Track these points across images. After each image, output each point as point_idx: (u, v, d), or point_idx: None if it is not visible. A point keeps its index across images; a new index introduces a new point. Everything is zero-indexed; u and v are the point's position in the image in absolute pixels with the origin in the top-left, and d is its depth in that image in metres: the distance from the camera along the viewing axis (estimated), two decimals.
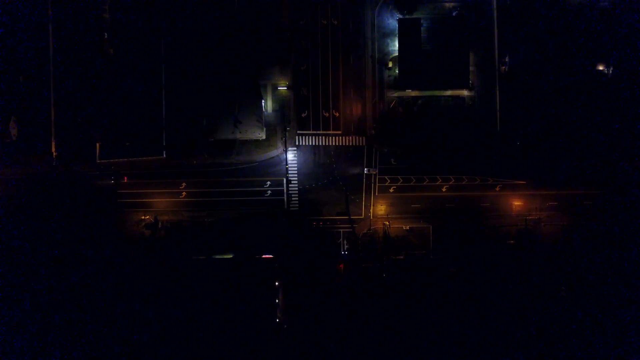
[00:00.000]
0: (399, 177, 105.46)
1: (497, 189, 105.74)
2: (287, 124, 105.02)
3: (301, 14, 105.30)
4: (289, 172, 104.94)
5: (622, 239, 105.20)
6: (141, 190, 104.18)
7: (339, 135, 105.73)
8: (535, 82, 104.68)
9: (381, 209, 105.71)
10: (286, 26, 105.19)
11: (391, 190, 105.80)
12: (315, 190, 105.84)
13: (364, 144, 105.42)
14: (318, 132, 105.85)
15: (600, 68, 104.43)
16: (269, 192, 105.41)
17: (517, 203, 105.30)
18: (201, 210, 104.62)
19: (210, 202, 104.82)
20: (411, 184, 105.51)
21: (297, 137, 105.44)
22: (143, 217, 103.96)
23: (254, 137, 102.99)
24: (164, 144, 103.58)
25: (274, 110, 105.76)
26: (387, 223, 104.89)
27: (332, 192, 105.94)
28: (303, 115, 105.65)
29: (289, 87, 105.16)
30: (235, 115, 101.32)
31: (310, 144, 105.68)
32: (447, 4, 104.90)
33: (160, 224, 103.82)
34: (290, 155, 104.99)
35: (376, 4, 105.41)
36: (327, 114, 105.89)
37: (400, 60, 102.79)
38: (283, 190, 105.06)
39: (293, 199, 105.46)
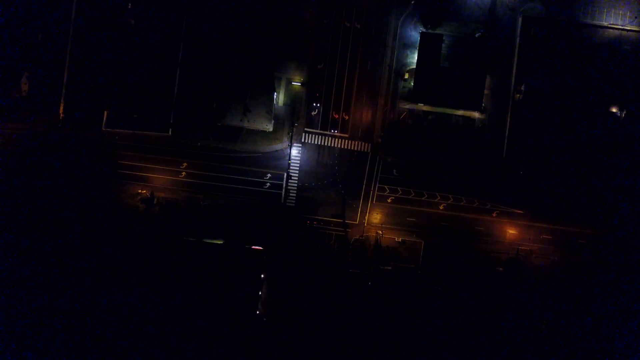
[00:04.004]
0: (398, 188, 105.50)
1: (494, 214, 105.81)
2: (295, 119, 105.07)
3: (325, 13, 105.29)
4: (291, 167, 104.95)
5: (611, 282, 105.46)
6: (142, 164, 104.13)
7: (345, 138, 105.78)
8: (547, 114, 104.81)
9: (376, 217, 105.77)
10: (309, 23, 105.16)
11: (389, 200, 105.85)
12: (314, 189, 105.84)
13: (369, 150, 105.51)
14: (325, 132, 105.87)
15: (614, 110, 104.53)
16: (268, 184, 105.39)
17: (511, 231, 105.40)
18: (198, 192, 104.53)
19: (208, 186, 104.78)
20: (410, 197, 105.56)
21: (303, 134, 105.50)
22: (140, 191, 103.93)
23: (261, 128, 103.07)
24: (171, 121, 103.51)
25: (284, 104, 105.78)
26: (380, 232, 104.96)
27: (331, 193, 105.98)
28: (313, 113, 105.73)
29: (302, 84, 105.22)
30: (246, 103, 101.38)
31: (316, 142, 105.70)
32: (471, 24, 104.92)
33: (155, 200, 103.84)
34: (295, 151, 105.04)
35: (401, 14, 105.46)
36: (336, 116, 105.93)
37: (417, 73, 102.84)
38: (282, 184, 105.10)
39: (291, 194, 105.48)
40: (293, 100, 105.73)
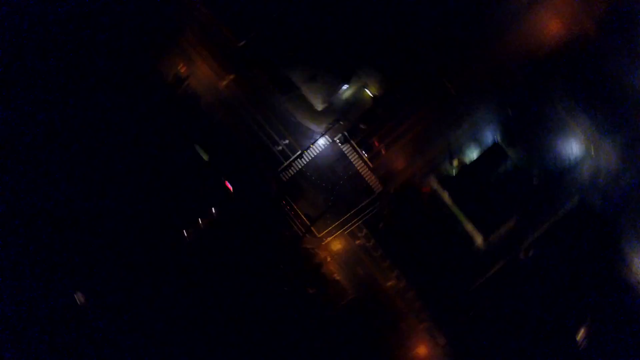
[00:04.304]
0: (373, 240, 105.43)
1: (421, 326, 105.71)
2: (343, 118, 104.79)
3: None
4: (309, 151, 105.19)
5: None
6: None
7: (368, 166, 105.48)
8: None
9: (337, 245, 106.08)
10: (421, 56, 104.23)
11: (357, 242, 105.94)
12: (310, 183, 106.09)
13: (376, 191, 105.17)
14: (357, 148, 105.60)
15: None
16: (281, 147, 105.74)
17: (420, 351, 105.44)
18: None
19: None
20: (374, 253, 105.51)
21: (340, 135, 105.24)
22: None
23: (312, 102, 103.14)
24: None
25: (345, 99, 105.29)
26: (328, 259, 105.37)
27: (320, 196, 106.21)
28: (361, 126, 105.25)
29: (373, 98, 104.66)
30: (316, 74, 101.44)
31: (343, 149, 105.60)
32: (536, 171, 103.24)
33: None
34: (322, 141, 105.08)
35: (495, 117, 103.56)
36: (377, 144, 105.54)
37: (461, 170, 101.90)
38: (290, 156, 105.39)
39: (290, 171, 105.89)
40: (354, 103, 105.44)
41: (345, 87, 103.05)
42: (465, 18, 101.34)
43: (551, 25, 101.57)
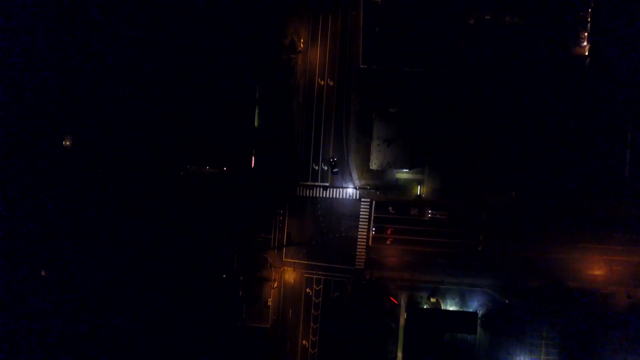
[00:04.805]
0: (319, 299, 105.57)
1: None
2: (382, 190, 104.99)
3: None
4: (335, 190, 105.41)
5: None
6: None
7: (365, 241, 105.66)
8: None
9: (290, 277, 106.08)
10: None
11: (306, 289, 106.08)
12: (315, 215, 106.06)
13: (351, 265, 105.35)
14: (372, 220, 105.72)
15: None
16: (317, 168, 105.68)
17: None
18: None
19: None
20: (312, 311, 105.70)
21: (369, 200, 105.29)
22: None
23: (371, 157, 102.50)
24: None
25: (398, 178, 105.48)
26: (275, 284, 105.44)
27: (313, 230, 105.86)
28: (391, 209, 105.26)
29: (418, 195, 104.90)
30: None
31: (361, 212, 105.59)
32: None
33: None
34: (351, 191, 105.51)
35: (494, 299, 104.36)
36: (389, 232, 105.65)
37: (432, 309, 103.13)
38: (317, 180, 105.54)
39: (308, 190, 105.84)
40: (400, 187, 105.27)
41: (406, 170, 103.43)
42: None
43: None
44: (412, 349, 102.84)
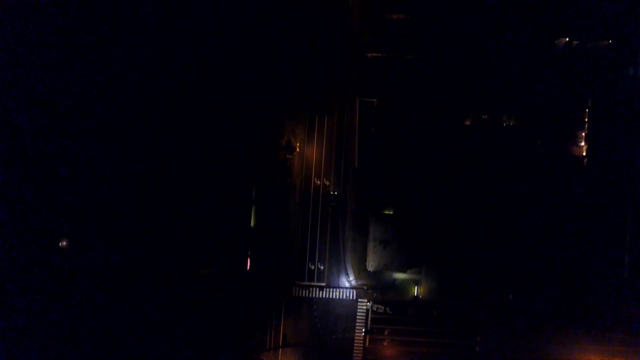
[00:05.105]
0: None
1: None
2: (380, 290, 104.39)
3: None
4: (331, 290, 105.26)
5: None
6: None
7: (362, 342, 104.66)
8: None
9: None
10: None
11: None
12: (311, 316, 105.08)
13: None
14: (369, 322, 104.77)
15: None
16: (313, 268, 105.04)
17: None
18: None
19: None
20: None
21: (367, 301, 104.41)
22: None
23: (368, 258, 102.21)
24: None
25: (395, 279, 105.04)
26: None
27: (309, 332, 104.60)
28: (388, 310, 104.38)
29: (415, 296, 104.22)
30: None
31: (358, 312, 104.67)
32: None
33: None
34: (347, 292, 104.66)
35: None
36: (386, 333, 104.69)
37: None
38: (314, 280, 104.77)
39: (304, 290, 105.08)
40: (398, 287, 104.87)
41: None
42: None
43: None
44: None
